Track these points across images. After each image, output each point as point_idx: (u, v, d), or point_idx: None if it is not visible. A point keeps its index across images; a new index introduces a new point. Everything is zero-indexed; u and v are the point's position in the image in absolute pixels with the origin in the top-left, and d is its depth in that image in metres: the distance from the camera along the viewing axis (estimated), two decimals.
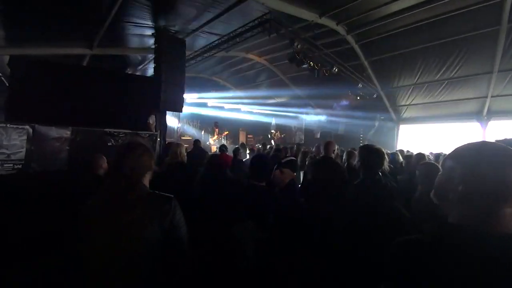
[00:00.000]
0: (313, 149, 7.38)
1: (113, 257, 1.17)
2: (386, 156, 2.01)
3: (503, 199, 0.69)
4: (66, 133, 4.69)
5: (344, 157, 4.23)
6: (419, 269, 0.72)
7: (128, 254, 1.17)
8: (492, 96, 8.71)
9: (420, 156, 3.88)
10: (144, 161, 1.31)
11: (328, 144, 3.71)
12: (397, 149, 9.37)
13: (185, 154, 3.61)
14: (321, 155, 4.09)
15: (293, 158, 2.91)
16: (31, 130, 4.29)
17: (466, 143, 0.81)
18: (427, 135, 10.79)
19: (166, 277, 1.25)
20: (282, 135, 15.22)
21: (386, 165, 2.02)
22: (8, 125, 4.12)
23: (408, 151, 6.97)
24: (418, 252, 0.75)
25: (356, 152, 3.71)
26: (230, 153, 5.65)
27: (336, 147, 3.85)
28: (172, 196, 1.32)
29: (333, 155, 3.58)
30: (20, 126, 4.22)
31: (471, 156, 0.76)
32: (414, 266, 0.73)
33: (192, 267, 1.38)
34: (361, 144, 7.29)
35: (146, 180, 1.34)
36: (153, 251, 1.21)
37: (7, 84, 5.73)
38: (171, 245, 1.26)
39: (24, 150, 4.23)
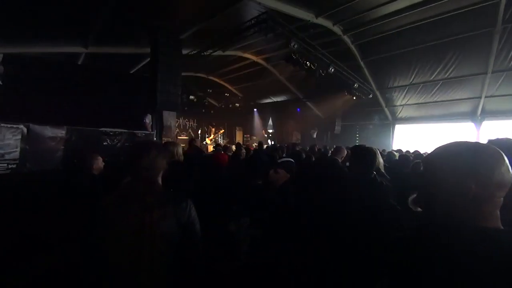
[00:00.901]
0: (308, 149, 7.39)
1: (138, 253, 1.22)
2: (379, 155, 2.03)
3: (489, 195, 0.72)
4: (61, 132, 4.66)
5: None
6: (413, 265, 0.74)
7: (151, 249, 1.23)
8: (486, 97, 8.83)
9: (417, 155, 3.92)
10: (159, 161, 1.36)
11: (338, 150, 3.74)
12: (392, 148, 9.47)
13: (182, 153, 3.59)
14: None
15: (290, 159, 2.91)
16: (25, 130, 4.26)
17: (444, 143, 0.84)
18: (422, 135, 10.90)
19: (184, 270, 1.32)
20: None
21: (381, 163, 2.04)
22: (1, 124, 4.08)
23: (400, 150, 7.05)
24: (411, 249, 0.76)
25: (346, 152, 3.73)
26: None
27: (345, 153, 3.81)
28: (183, 193, 1.40)
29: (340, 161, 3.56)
30: (15, 126, 4.19)
31: (457, 155, 0.78)
32: (408, 262, 0.75)
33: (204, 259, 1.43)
34: (357, 144, 7.32)
35: (159, 179, 1.40)
36: (173, 245, 1.29)
37: (1, 83, 5.68)
38: (188, 239, 1.35)
39: (18, 149, 4.20)
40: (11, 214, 2.89)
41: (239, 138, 16.03)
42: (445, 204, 0.77)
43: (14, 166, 4.15)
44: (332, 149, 4.50)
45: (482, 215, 0.73)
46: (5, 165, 4.08)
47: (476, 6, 6.24)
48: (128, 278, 1.23)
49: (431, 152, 0.85)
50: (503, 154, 0.74)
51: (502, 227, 0.74)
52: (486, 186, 0.72)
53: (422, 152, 6.00)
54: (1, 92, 5.18)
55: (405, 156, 4.60)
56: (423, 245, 0.76)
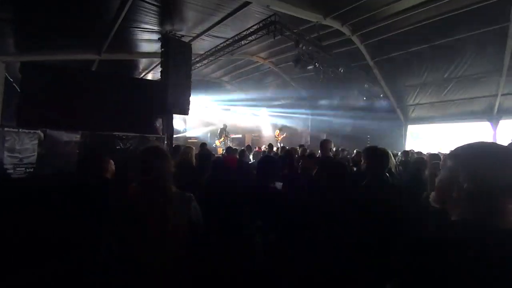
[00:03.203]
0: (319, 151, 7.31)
1: (161, 244, 1.39)
2: (392, 157, 2.01)
3: (507, 196, 0.71)
4: (76, 137, 4.79)
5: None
6: (426, 265, 0.72)
7: (170, 241, 1.42)
8: (502, 95, 8.52)
9: (433, 156, 3.84)
10: (169, 165, 1.55)
11: (324, 142, 3.72)
12: (405, 149, 9.27)
13: (194, 156, 3.67)
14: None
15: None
16: (42, 135, 4.41)
17: (465, 143, 0.85)
18: (436, 135, 10.62)
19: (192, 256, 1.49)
20: (284, 134, 14.50)
21: (393, 164, 2.01)
22: (20, 130, 4.24)
23: (412, 151, 6.92)
24: (426, 249, 0.76)
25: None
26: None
27: (333, 144, 3.85)
28: (191, 194, 1.59)
29: (331, 153, 3.60)
30: (32, 131, 4.34)
31: (474, 155, 0.78)
32: (422, 263, 0.74)
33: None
34: (368, 145, 7.19)
35: (171, 180, 1.56)
36: (185, 237, 1.48)
37: (19, 90, 5.89)
38: (194, 229, 1.53)
39: (35, 154, 4.34)
40: (29, 216, 2.97)
41: (248, 140, 16.04)
42: (462, 204, 0.76)
43: (31, 170, 4.30)
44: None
45: (502, 216, 0.71)
46: (23, 169, 4.24)
47: (489, 1, 6.05)
48: (151, 265, 1.36)
49: (452, 152, 0.87)
50: None
51: None
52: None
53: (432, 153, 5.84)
54: (19, 99, 5.37)
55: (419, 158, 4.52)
56: (436, 245, 0.75)
